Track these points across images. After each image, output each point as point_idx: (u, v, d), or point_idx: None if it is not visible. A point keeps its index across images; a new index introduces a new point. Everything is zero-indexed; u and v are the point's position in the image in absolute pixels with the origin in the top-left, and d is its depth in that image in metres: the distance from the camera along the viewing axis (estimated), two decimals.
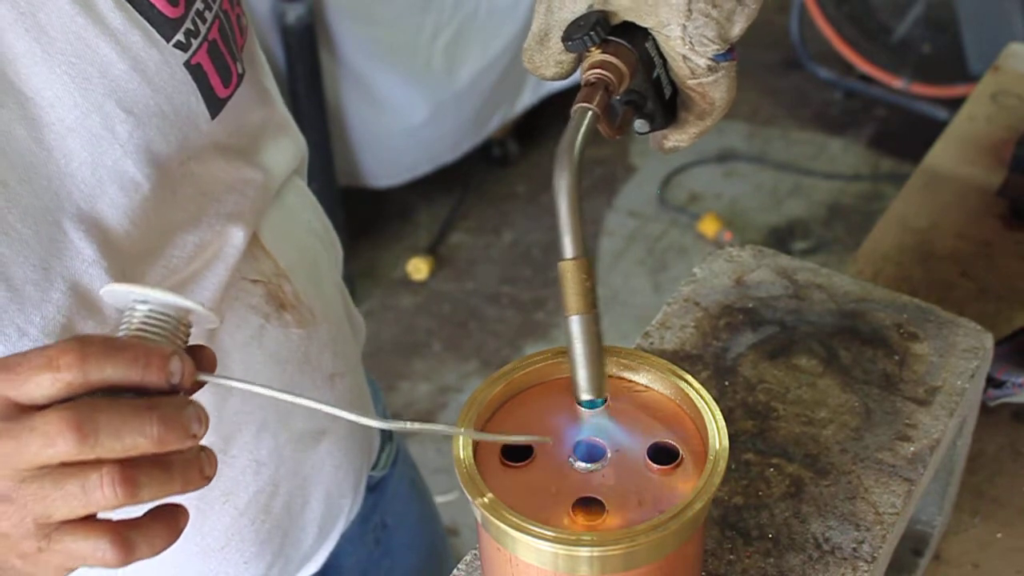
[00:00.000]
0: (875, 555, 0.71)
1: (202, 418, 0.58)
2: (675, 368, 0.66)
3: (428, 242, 2.73)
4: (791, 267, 0.90)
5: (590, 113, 0.68)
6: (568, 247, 0.64)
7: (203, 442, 0.77)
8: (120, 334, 0.59)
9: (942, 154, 1.29)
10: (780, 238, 2.71)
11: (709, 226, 2.70)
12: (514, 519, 0.59)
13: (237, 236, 0.80)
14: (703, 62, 0.69)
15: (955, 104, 1.40)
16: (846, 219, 2.76)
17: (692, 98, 0.72)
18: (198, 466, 0.59)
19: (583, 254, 0.64)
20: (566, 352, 0.68)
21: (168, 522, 0.59)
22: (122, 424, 0.55)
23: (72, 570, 0.59)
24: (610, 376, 0.68)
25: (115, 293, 0.59)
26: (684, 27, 0.68)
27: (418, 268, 2.64)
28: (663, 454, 0.63)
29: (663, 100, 0.72)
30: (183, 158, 0.76)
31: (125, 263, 0.74)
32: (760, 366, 0.82)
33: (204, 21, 0.75)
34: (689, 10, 0.68)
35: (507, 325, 2.57)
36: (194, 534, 0.83)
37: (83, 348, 0.56)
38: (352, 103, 2.53)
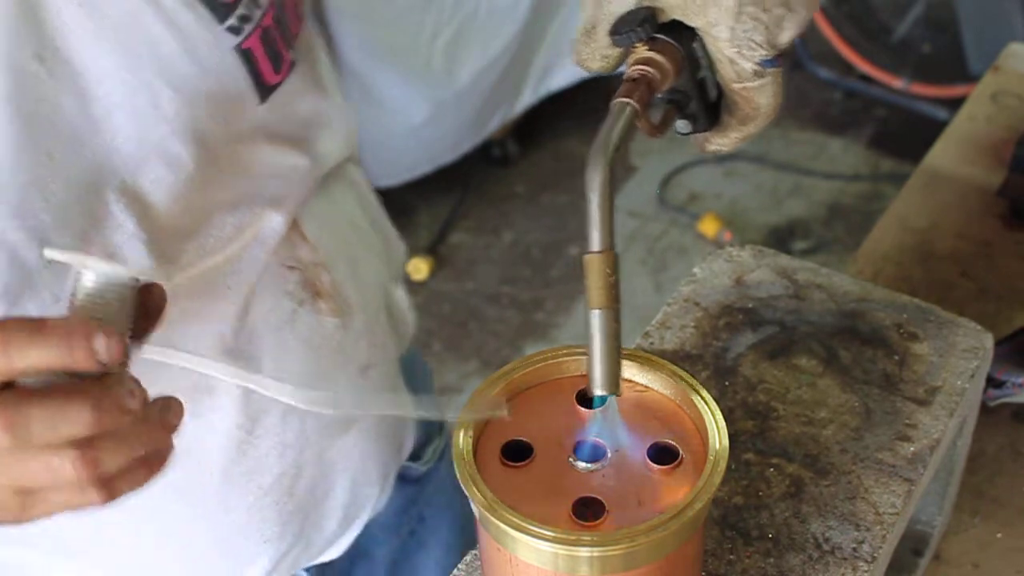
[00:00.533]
0: (875, 555, 0.71)
1: (135, 392, 0.57)
2: (675, 368, 0.66)
3: (428, 242, 2.73)
4: (791, 267, 0.90)
5: (628, 108, 0.67)
6: (596, 240, 0.63)
7: (232, 422, 0.80)
8: (71, 302, 0.58)
9: (942, 154, 1.29)
10: (780, 238, 2.71)
11: (709, 226, 2.70)
12: (514, 519, 0.59)
13: (277, 221, 0.80)
14: (749, 66, 0.69)
15: (955, 104, 1.40)
16: (846, 219, 2.76)
17: (737, 102, 0.72)
18: (160, 423, 0.59)
19: (610, 248, 0.63)
20: (566, 352, 0.68)
21: (147, 462, 0.59)
22: (54, 414, 0.55)
23: (58, 513, 0.59)
24: None
25: (57, 258, 0.58)
26: (732, 29, 0.67)
27: (418, 268, 2.64)
28: (663, 454, 0.63)
29: (707, 102, 0.72)
30: (229, 140, 0.77)
31: (163, 238, 0.75)
32: (760, 366, 0.82)
33: (259, 7, 0.75)
34: (739, 12, 0.67)
35: (507, 325, 2.57)
36: (216, 510, 0.84)
37: (4, 335, 0.55)
38: (352, 103, 2.54)
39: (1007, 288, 1.12)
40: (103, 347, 0.56)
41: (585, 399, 0.67)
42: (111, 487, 0.58)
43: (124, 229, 0.73)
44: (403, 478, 0.98)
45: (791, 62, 3.12)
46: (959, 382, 0.81)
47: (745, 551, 0.72)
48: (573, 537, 0.58)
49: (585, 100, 2.96)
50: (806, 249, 2.69)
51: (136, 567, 0.87)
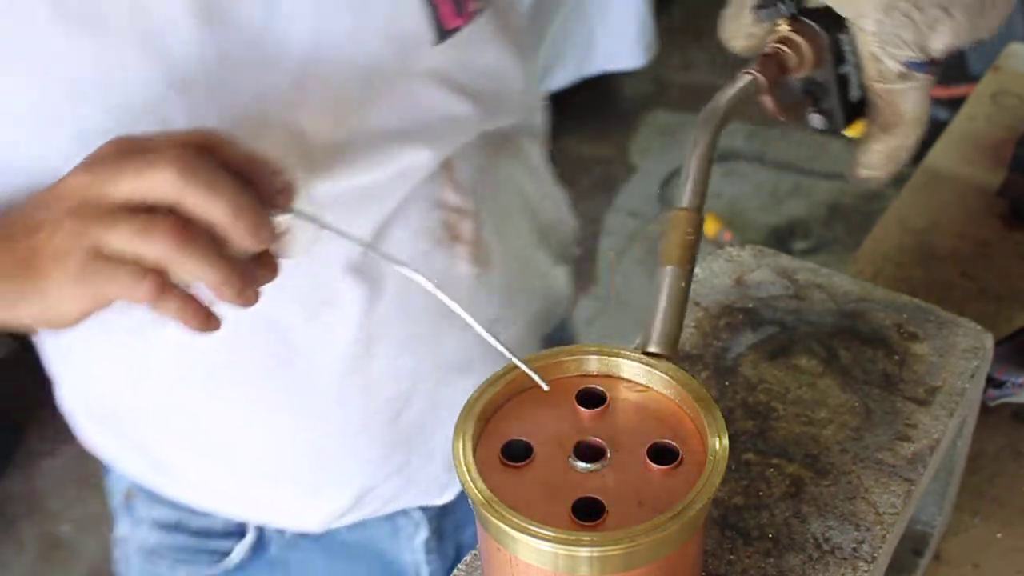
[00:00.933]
0: (875, 555, 0.71)
1: (272, 236, 0.61)
2: (675, 368, 0.66)
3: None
4: (791, 267, 0.90)
5: (749, 78, 0.66)
6: (685, 197, 0.63)
7: (350, 338, 0.84)
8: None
9: (942, 154, 1.29)
10: (780, 238, 2.72)
11: (709, 226, 2.70)
12: (514, 519, 0.59)
13: (428, 159, 0.82)
14: (894, 66, 0.66)
15: (955, 104, 1.40)
16: (846, 219, 2.76)
17: (878, 105, 0.69)
18: (242, 275, 0.61)
19: (697, 209, 0.63)
20: (566, 352, 0.68)
21: (202, 308, 0.62)
22: (218, 181, 0.59)
23: (102, 301, 0.61)
24: (609, 376, 0.68)
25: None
26: (880, 22, 0.65)
27: None
28: (663, 454, 0.63)
29: (847, 101, 0.69)
30: (397, 71, 0.79)
31: (313, 146, 0.77)
32: (760, 366, 0.82)
33: None
34: (889, 5, 0.64)
35: None
36: (323, 418, 0.88)
37: (212, 131, 0.62)
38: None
39: (1007, 288, 1.12)
40: (282, 179, 0.63)
41: (585, 399, 0.67)
42: (164, 286, 0.60)
43: (276, 134, 0.76)
44: None
45: None
46: (959, 382, 0.81)
47: (745, 551, 0.72)
48: (573, 537, 0.58)
49: (585, 100, 2.96)
50: (806, 249, 2.69)
51: (246, 448, 0.91)
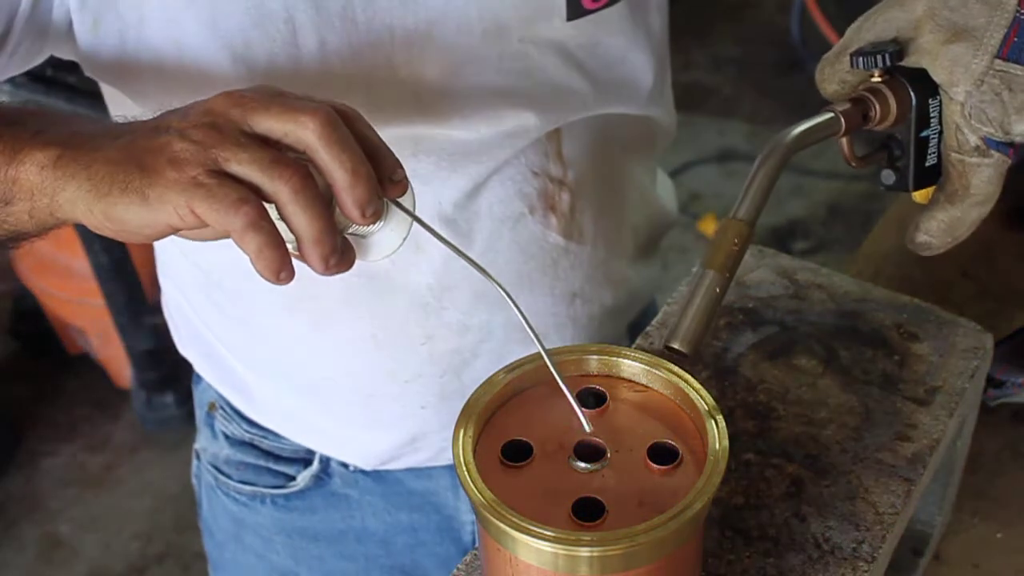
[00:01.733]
0: (875, 555, 0.71)
1: (379, 212, 0.63)
2: (675, 368, 0.66)
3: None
4: (791, 267, 0.90)
5: (831, 115, 0.68)
6: (741, 209, 0.64)
7: (424, 283, 0.87)
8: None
9: None
10: (780, 238, 2.71)
11: (709, 226, 2.70)
12: (514, 519, 0.59)
13: (535, 124, 0.84)
14: (973, 139, 0.68)
15: None
16: (846, 219, 2.76)
17: (950, 175, 0.71)
18: (338, 246, 0.63)
19: (750, 223, 0.63)
20: (566, 352, 0.68)
21: (285, 255, 0.62)
22: (352, 147, 0.61)
23: (190, 216, 0.61)
24: (609, 376, 0.68)
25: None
26: (969, 94, 0.67)
27: None
28: (663, 454, 0.63)
29: (922, 164, 0.71)
30: (524, 37, 0.81)
31: (426, 88, 0.80)
32: (760, 366, 0.82)
33: None
34: (982, 80, 0.66)
35: None
36: (387, 357, 0.91)
37: (361, 115, 0.64)
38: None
39: (1007, 288, 1.12)
40: (401, 175, 0.64)
41: (585, 399, 0.67)
42: (259, 220, 0.60)
43: (394, 67, 0.78)
44: None
45: (791, 62, 3.13)
46: (959, 382, 0.81)
47: (745, 551, 0.72)
48: (573, 537, 0.58)
49: None
50: (806, 249, 2.69)
51: (313, 377, 0.94)
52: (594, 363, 0.68)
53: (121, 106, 0.83)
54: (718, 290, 0.63)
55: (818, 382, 0.81)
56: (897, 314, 0.86)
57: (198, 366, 1.06)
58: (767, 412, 0.79)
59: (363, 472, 1.00)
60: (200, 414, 1.08)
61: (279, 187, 0.60)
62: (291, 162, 0.61)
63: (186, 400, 1.08)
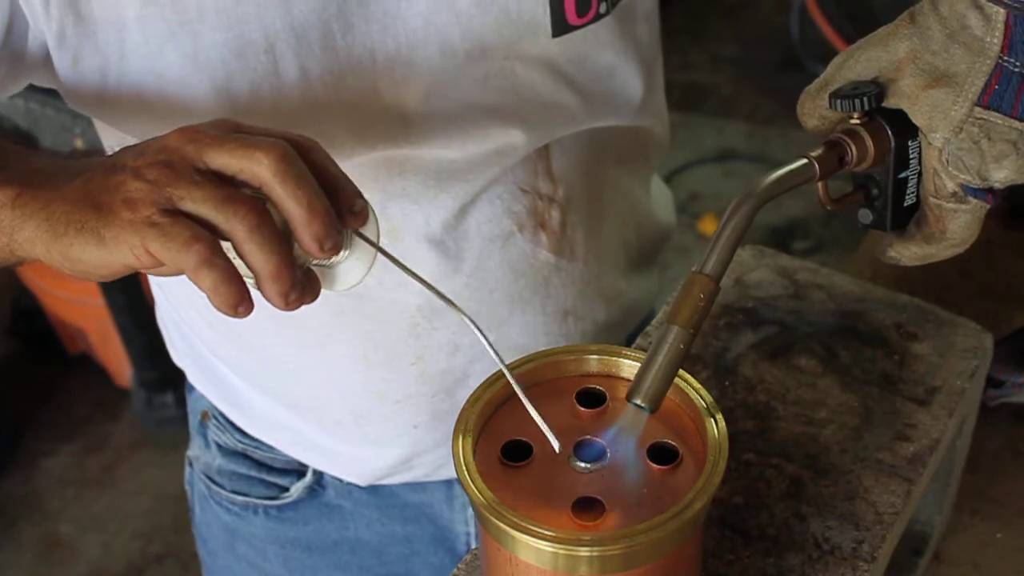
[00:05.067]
0: (875, 555, 0.71)
1: (338, 246, 0.62)
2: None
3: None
4: (791, 267, 0.90)
5: (804, 162, 0.67)
6: (709, 264, 0.63)
7: (414, 304, 0.86)
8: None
9: None
10: (780, 238, 2.71)
11: (709, 226, 2.70)
12: (514, 519, 0.59)
13: (523, 141, 0.83)
14: (951, 185, 0.68)
15: None
16: (846, 219, 2.76)
17: (927, 217, 0.70)
18: (299, 281, 0.62)
19: (715, 279, 0.63)
20: (566, 352, 0.68)
21: (241, 291, 0.62)
22: (308, 182, 0.61)
23: (146, 256, 0.61)
24: (609, 376, 0.68)
25: None
26: (947, 140, 0.66)
27: None
28: (663, 454, 0.63)
29: (900, 205, 0.70)
30: (509, 55, 0.80)
31: (410, 111, 0.79)
32: (760, 366, 0.82)
33: None
34: (960, 128, 0.66)
35: None
36: (378, 377, 0.90)
37: (318, 144, 0.64)
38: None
39: (1007, 288, 1.12)
40: (363, 206, 0.64)
41: (585, 399, 0.67)
42: (213, 257, 0.60)
43: (376, 87, 0.77)
44: None
45: (791, 62, 3.13)
46: (959, 382, 0.81)
47: (745, 551, 0.72)
48: (573, 537, 0.58)
49: None
50: (806, 249, 2.69)
51: (306, 395, 0.94)
52: (594, 363, 0.68)
53: (111, 136, 0.83)
54: (682, 346, 0.62)
55: (818, 382, 0.81)
56: (897, 314, 0.86)
57: (191, 376, 1.05)
58: (767, 412, 0.79)
59: (357, 485, 1.00)
60: (193, 422, 1.08)
61: (234, 225, 0.60)
62: (246, 199, 0.60)
63: (186, 400, 1.08)
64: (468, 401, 0.65)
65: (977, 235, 0.69)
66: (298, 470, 1.01)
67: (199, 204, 0.60)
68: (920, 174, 0.69)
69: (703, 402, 0.64)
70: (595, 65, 0.84)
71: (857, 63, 0.69)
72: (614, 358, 0.68)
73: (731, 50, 3.25)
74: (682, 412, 0.66)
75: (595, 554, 0.58)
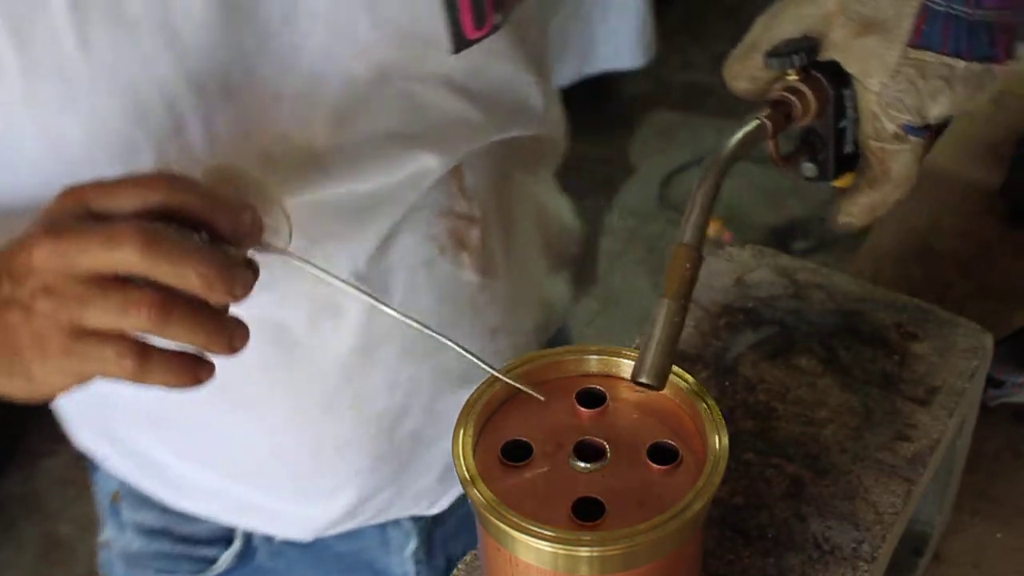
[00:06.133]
0: (875, 555, 0.71)
1: (247, 285, 0.61)
2: (675, 368, 0.66)
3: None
4: (791, 267, 0.90)
5: (758, 123, 0.68)
6: (687, 234, 0.64)
7: (347, 347, 0.83)
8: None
9: (942, 154, 1.29)
10: (780, 238, 2.72)
11: (709, 226, 2.70)
12: (514, 519, 0.59)
13: (435, 165, 0.82)
14: (891, 127, 0.69)
15: None
16: None
17: (870, 162, 0.71)
18: (228, 332, 0.61)
19: (697, 247, 0.64)
20: (566, 352, 0.68)
21: (190, 365, 0.61)
22: (183, 253, 0.58)
23: (84, 377, 0.61)
24: (609, 376, 0.68)
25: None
26: (885, 85, 0.68)
27: None
28: (663, 454, 0.63)
29: (841, 154, 0.72)
30: (410, 77, 0.78)
31: (321, 148, 0.77)
32: (760, 366, 0.82)
33: None
34: (896, 70, 0.67)
35: None
36: (314, 429, 0.87)
37: (171, 174, 0.61)
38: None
39: (1007, 288, 1.12)
40: (247, 220, 0.62)
41: (585, 399, 0.67)
42: (146, 360, 0.59)
43: (284, 132, 0.75)
44: None
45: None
46: (959, 382, 0.81)
47: (745, 551, 0.72)
48: (573, 537, 0.58)
49: (585, 100, 2.96)
50: (806, 249, 2.69)
51: (238, 459, 0.91)
52: (594, 363, 0.68)
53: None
54: (678, 319, 0.63)
55: (818, 382, 0.81)
56: (897, 314, 0.86)
57: (99, 454, 0.99)
58: (767, 412, 0.79)
59: (288, 543, 0.97)
60: (103, 505, 1.03)
61: (142, 325, 0.59)
62: (141, 295, 0.58)
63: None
64: (468, 401, 0.65)
65: (917, 175, 0.71)
66: (225, 538, 0.98)
67: (99, 320, 0.59)
68: (856, 121, 0.71)
69: (703, 403, 0.64)
70: (494, 77, 0.83)
71: (785, 22, 0.70)
72: (614, 358, 0.68)
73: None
74: (682, 412, 0.66)
75: (595, 554, 0.58)
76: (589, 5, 2.85)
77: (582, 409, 0.66)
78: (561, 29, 2.82)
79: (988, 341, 0.84)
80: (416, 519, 0.97)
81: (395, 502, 0.93)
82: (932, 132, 0.71)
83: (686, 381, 0.66)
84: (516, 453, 0.64)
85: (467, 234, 0.86)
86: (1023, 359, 0.98)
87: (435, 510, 0.97)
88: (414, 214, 0.83)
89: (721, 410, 0.64)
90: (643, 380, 0.63)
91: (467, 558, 0.74)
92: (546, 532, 0.58)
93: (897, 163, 0.71)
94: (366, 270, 0.82)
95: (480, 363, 0.64)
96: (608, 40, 2.89)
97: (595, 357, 0.68)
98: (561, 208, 1.03)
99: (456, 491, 0.96)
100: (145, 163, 0.72)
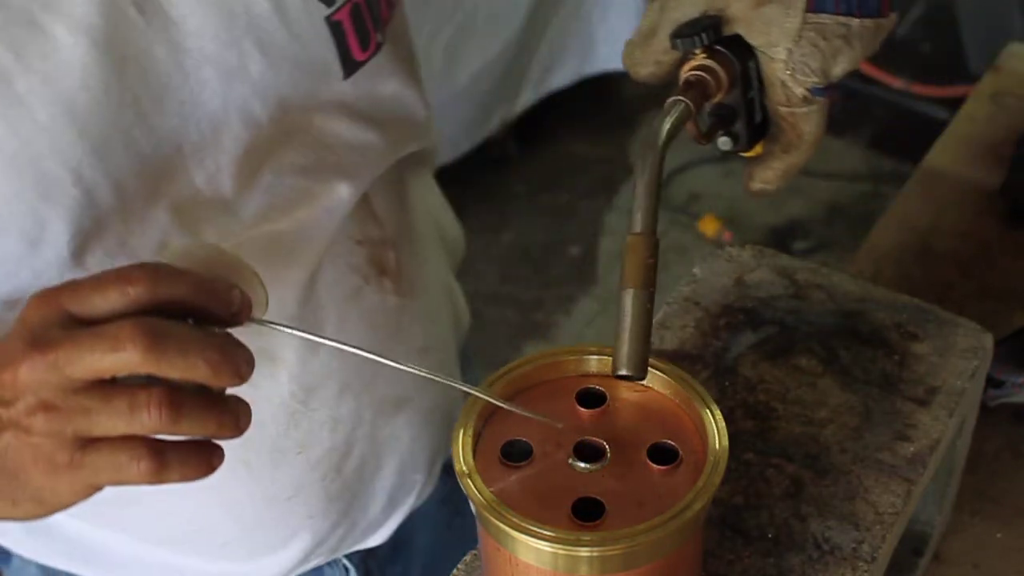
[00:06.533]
0: (875, 555, 0.71)
1: (250, 362, 0.59)
2: (675, 368, 0.66)
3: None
4: (791, 267, 0.90)
5: (683, 105, 0.69)
6: (638, 222, 0.64)
7: (287, 392, 0.82)
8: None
9: (942, 154, 1.29)
10: (780, 238, 2.71)
11: (709, 226, 2.70)
12: (514, 519, 0.59)
13: (347, 193, 0.81)
14: (800, 91, 0.70)
15: (955, 104, 1.40)
16: (846, 219, 2.76)
17: (782, 128, 0.73)
18: (235, 413, 0.60)
19: (651, 232, 0.64)
20: (566, 352, 0.68)
21: (203, 453, 0.60)
22: (188, 343, 0.56)
23: (96, 488, 0.59)
24: (609, 376, 0.68)
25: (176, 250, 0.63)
26: (790, 51, 0.69)
27: None
28: (663, 454, 0.63)
29: (752, 123, 0.73)
30: (308, 108, 0.78)
31: (232, 195, 0.76)
32: (760, 366, 0.82)
33: None
34: (799, 36, 0.69)
35: (507, 325, 2.57)
36: (263, 480, 0.85)
37: (155, 267, 0.58)
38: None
39: (1007, 288, 1.12)
40: (237, 299, 0.60)
41: (585, 399, 0.67)
42: (163, 459, 0.57)
43: (193, 183, 0.74)
44: (444, 468, 0.98)
45: None
46: (959, 382, 0.81)
47: (745, 551, 0.72)
48: (573, 537, 0.58)
49: (585, 100, 2.96)
50: (806, 249, 2.69)
51: (182, 525, 0.87)
52: (594, 363, 0.68)
53: None
54: (648, 305, 0.63)
55: (818, 382, 0.81)
56: (897, 314, 0.86)
57: (14, 543, 0.92)
58: (767, 412, 0.79)
59: None
60: None
61: (153, 426, 0.56)
62: (148, 396, 0.56)
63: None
64: (468, 401, 0.65)
65: (824, 130, 0.73)
66: None
67: (109, 428, 0.57)
68: (762, 90, 0.72)
69: (703, 403, 0.64)
70: (384, 96, 0.83)
71: (681, 2, 0.70)
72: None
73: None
74: (682, 412, 0.66)
75: (595, 554, 0.58)
76: (589, 5, 2.85)
77: (582, 409, 0.66)
78: (561, 29, 2.82)
79: (988, 341, 0.84)
80: (352, 553, 0.96)
81: (346, 538, 0.92)
82: (835, 89, 0.72)
83: (686, 381, 0.66)
84: (516, 453, 0.64)
85: (384, 258, 0.86)
86: (1023, 359, 0.98)
87: (379, 540, 0.95)
88: (333, 247, 0.82)
89: (721, 410, 0.64)
90: (623, 372, 0.62)
91: (467, 558, 0.74)
92: (546, 532, 0.58)
93: (809, 124, 0.72)
94: (297, 310, 0.80)
95: (458, 385, 0.64)
96: (608, 40, 2.89)
97: (595, 357, 0.68)
98: (447, 212, 1.03)
99: (400, 516, 0.94)
100: (59, 238, 0.69)
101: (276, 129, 0.76)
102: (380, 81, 0.82)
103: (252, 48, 0.73)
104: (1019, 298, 1.11)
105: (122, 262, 0.60)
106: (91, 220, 0.70)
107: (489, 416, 0.66)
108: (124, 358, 0.55)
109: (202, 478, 0.59)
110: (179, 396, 0.57)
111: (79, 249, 0.70)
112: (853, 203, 2.81)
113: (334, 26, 0.76)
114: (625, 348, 0.62)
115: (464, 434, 0.63)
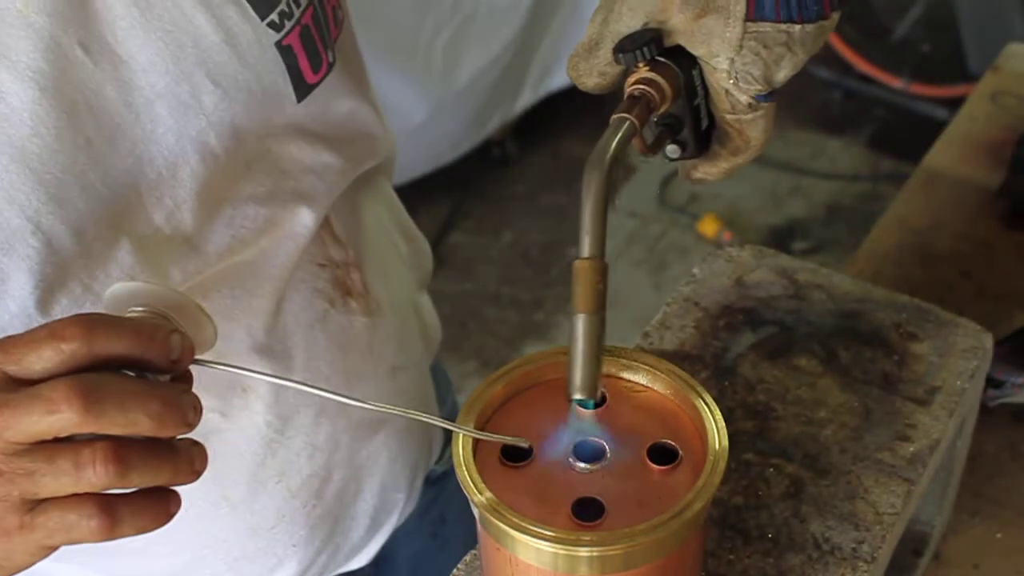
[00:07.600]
0: (875, 555, 0.71)
1: (197, 407, 0.58)
2: (675, 368, 0.66)
3: (427, 242, 2.73)
4: (791, 267, 0.90)
5: (627, 123, 0.68)
6: (586, 247, 0.64)
7: (262, 421, 0.80)
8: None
9: (942, 154, 1.29)
10: (780, 238, 2.71)
11: (709, 226, 2.70)
12: (514, 519, 0.59)
13: (308, 218, 0.80)
14: (744, 99, 0.70)
15: (955, 104, 1.40)
16: (846, 219, 2.76)
17: (729, 133, 0.73)
18: (188, 458, 0.59)
19: (599, 256, 0.64)
20: (566, 352, 0.68)
21: (158, 502, 0.58)
22: (127, 398, 0.55)
23: (51, 549, 0.58)
24: (609, 376, 0.68)
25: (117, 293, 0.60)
26: (732, 61, 0.69)
27: None
28: (663, 454, 0.63)
29: (699, 130, 0.73)
30: (264, 135, 0.77)
31: (193, 230, 0.75)
32: (760, 366, 0.82)
33: (299, 5, 0.75)
34: (740, 46, 0.69)
35: (507, 325, 2.57)
36: (245, 512, 0.84)
37: (89, 320, 0.56)
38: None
39: (1007, 288, 1.12)
40: (178, 344, 0.58)
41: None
42: (115, 513, 0.56)
43: (152, 221, 0.73)
44: (425, 480, 0.98)
45: None
46: (959, 382, 0.81)
47: (745, 551, 0.72)
48: (573, 537, 0.58)
49: (585, 100, 2.96)
50: (806, 249, 2.69)
51: (165, 563, 0.86)
52: None
53: None
54: (599, 330, 0.63)
55: (818, 382, 0.81)
56: (897, 314, 0.86)
57: None
58: (767, 412, 0.79)
59: None
60: None
61: (101, 482, 0.55)
62: (92, 452, 0.55)
63: None
64: (468, 401, 0.65)
65: (771, 133, 0.74)
66: None
67: (56, 488, 0.55)
68: (707, 97, 0.72)
69: (703, 403, 0.64)
70: (339, 115, 0.82)
71: (622, 16, 0.70)
72: (614, 358, 0.68)
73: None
74: (682, 412, 0.66)
75: (595, 554, 0.58)
76: (589, 5, 2.85)
77: (582, 409, 0.66)
78: (561, 29, 2.82)
79: (988, 341, 0.84)
80: None
81: (330, 564, 0.91)
82: (778, 93, 0.73)
83: (686, 381, 0.66)
84: (516, 453, 0.63)
85: (349, 279, 0.85)
86: (1023, 359, 0.98)
87: (361, 563, 0.94)
88: (297, 272, 0.81)
89: (721, 410, 0.64)
90: (576, 396, 0.63)
91: (467, 558, 0.74)
92: (546, 532, 0.58)
93: (755, 130, 0.72)
94: (265, 340, 0.80)
95: (447, 424, 0.63)
96: None
97: None
98: (408, 220, 1.02)
99: (382, 537, 0.94)
100: (22, 289, 0.68)
101: (233, 160, 0.75)
102: (334, 101, 0.82)
103: (204, 80, 0.72)
104: (1019, 298, 1.11)
105: (88, 308, 0.59)
106: (53, 268, 0.69)
107: (489, 416, 0.66)
108: (61, 419, 0.54)
109: (160, 527, 0.58)
110: (124, 450, 0.55)
111: (43, 298, 0.69)
112: (853, 203, 2.81)
113: (285, 51, 0.75)
114: (579, 373, 0.63)
115: (464, 434, 0.63)
